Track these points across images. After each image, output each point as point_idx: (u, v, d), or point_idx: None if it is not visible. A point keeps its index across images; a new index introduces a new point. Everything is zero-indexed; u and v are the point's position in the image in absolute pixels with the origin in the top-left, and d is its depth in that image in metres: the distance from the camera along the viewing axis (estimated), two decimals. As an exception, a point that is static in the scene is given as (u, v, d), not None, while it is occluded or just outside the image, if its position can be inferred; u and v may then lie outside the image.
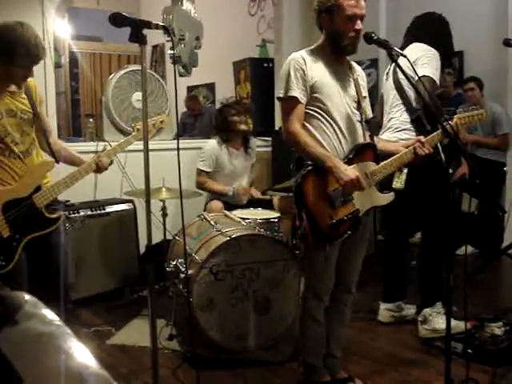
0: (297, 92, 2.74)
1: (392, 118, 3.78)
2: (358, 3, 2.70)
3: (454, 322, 3.20)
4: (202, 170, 4.87)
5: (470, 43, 6.00)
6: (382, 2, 6.77)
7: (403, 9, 6.28)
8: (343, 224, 2.76)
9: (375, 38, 2.70)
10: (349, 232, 2.80)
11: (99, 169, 3.03)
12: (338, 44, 2.78)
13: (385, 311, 4.01)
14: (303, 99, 2.76)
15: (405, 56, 2.66)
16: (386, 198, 2.95)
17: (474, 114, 3.11)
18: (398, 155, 2.91)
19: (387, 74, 3.92)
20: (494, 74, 5.91)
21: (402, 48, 3.71)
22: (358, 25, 2.73)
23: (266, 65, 7.26)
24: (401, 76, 3.65)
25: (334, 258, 2.88)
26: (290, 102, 2.77)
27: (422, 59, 3.63)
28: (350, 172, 2.67)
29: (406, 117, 3.69)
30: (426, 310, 3.70)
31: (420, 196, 3.69)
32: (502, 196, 5.90)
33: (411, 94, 3.65)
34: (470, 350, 3.23)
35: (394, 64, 3.74)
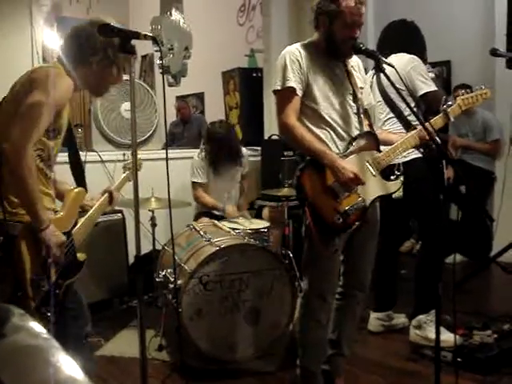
0: (294, 83, 2.70)
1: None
2: (359, 10, 2.68)
3: (445, 335, 3.22)
4: (195, 182, 4.89)
5: (457, 53, 6.06)
6: (369, 11, 6.81)
7: (391, 17, 6.31)
8: (349, 215, 2.72)
9: (363, 48, 2.70)
10: (356, 223, 2.76)
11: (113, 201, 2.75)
12: (332, 48, 2.76)
13: (375, 320, 4.01)
14: (300, 91, 2.73)
15: (393, 66, 2.65)
16: (393, 185, 2.90)
17: (477, 94, 3.06)
18: (400, 141, 2.89)
19: (371, 86, 3.88)
20: (481, 82, 5.93)
21: (385, 57, 3.71)
22: (356, 32, 2.71)
23: (254, 74, 7.27)
24: (388, 89, 3.64)
25: (339, 255, 2.84)
26: (286, 94, 2.72)
27: (419, 74, 3.64)
28: (348, 170, 2.63)
29: (399, 128, 3.67)
30: (421, 317, 3.68)
31: (417, 203, 3.69)
32: (490, 204, 5.93)
33: (401, 105, 3.63)
34: (459, 359, 3.23)
35: (375, 76, 3.77)
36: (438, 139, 2.50)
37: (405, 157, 3.26)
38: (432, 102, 3.57)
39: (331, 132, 2.77)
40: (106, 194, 2.71)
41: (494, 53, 3.77)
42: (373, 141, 2.86)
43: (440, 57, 6.00)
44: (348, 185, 2.67)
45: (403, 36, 3.90)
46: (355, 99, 2.86)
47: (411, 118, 3.57)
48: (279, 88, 2.75)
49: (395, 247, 4.14)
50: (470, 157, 5.90)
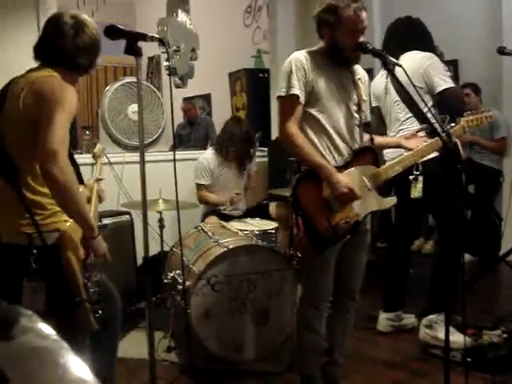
0: (298, 91, 2.70)
1: (401, 130, 3.76)
2: (360, 17, 2.67)
3: (455, 336, 3.20)
4: (199, 184, 4.89)
5: (464, 52, 6.03)
6: (375, 11, 6.80)
7: (397, 17, 6.30)
8: (342, 228, 2.73)
9: (370, 47, 2.69)
10: (348, 236, 2.77)
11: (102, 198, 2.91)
12: (339, 56, 2.76)
13: (384, 320, 4.00)
14: (303, 99, 2.73)
15: (400, 65, 2.65)
16: (388, 202, 2.93)
17: (482, 116, 3.08)
18: (398, 159, 2.91)
19: (386, 88, 3.87)
20: (488, 81, 5.93)
21: (396, 57, 3.70)
22: (360, 39, 2.70)
23: (261, 75, 7.28)
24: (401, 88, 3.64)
25: (332, 264, 2.85)
26: (290, 101, 2.73)
27: (436, 71, 3.64)
28: (343, 184, 2.64)
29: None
30: (433, 317, 3.65)
31: (437, 203, 3.68)
32: (499, 203, 5.90)
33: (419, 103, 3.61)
34: (469, 359, 3.22)
35: (389, 77, 3.75)
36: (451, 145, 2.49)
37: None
38: (450, 99, 3.56)
39: (329, 142, 2.77)
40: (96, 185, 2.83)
41: (502, 51, 3.76)
42: (372, 155, 2.87)
43: (447, 56, 5.95)
44: (342, 199, 2.68)
45: (411, 33, 3.88)
46: (359, 111, 2.86)
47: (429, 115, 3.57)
48: (283, 94, 2.75)
49: (406, 247, 4.13)
50: (478, 156, 5.88)
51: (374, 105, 4.00)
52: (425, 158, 3.44)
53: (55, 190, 2.14)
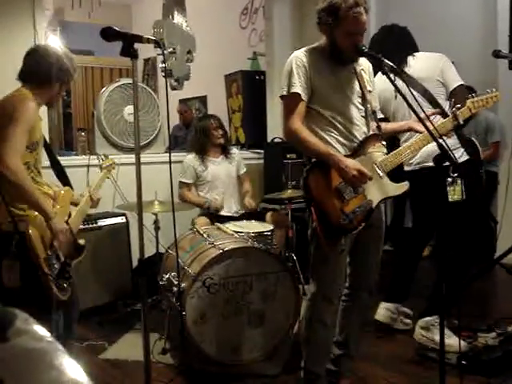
0: (299, 89, 2.72)
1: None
2: (359, 19, 2.68)
3: (452, 339, 3.20)
4: (182, 182, 4.95)
5: (459, 55, 6.04)
6: (371, 14, 6.81)
7: (393, 19, 6.32)
8: (356, 216, 2.73)
9: (366, 50, 2.71)
10: (362, 224, 2.76)
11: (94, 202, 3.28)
12: (337, 54, 2.77)
13: (384, 310, 3.99)
14: (305, 97, 2.74)
15: (395, 69, 2.66)
16: (399, 187, 2.90)
17: (487, 96, 3.07)
18: (407, 144, 2.91)
19: (395, 91, 3.84)
20: (484, 84, 5.93)
21: (402, 61, 3.71)
22: (359, 40, 2.71)
23: (257, 77, 7.27)
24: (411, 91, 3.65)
25: (346, 256, 2.84)
26: (292, 99, 2.75)
27: (450, 68, 3.73)
28: (351, 167, 2.63)
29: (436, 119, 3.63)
30: (430, 319, 3.65)
31: (473, 206, 3.67)
32: (494, 206, 5.91)
33: (434, 90, 3.66)
34: (464, 362, 3.23)
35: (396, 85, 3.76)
36: (442, 142, 2.49)
37: (457, 158, 3.27)
38: (461, 95, 3.59)
39: (337, 135, 2.79)
40: (88, 191, 3.23)
41: (497, 54, 3.76)
42: (379, 143, 2.86)
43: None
44: (354, 182, 2.67)
45: (402, 41, 3.91)
46: (363, 102, 2.87)
47: (442, 102, 3.63)
48: (285, 94, 2.77)
49: (425, 243, 4.18)
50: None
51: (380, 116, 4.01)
52: (461, 160, 3.48)
53: (10, 186, 2.59)
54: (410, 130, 3.09)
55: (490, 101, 3.08)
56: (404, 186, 2.91)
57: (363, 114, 2.87)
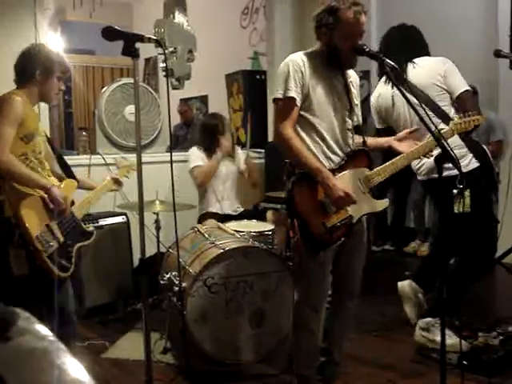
0: (295, 94, 2.71)
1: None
2: (359, 20, 2.68)
3: (452, 340, 3.19)
4: (195, 167, 4.74)
5: (460, 54, 6.02)
6: (372, 14, 6.81)
7: (394, 20, 6.33)
8: (337, 230, 2.75)
9: (367, 50, 2.70)
10: (342, 238, 2.79)
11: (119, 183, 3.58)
12: (335, 59, 2.77)
13: (409, 286, 3.97)
14: (299, 102, 2.74)
15: (396, 68, 2.65)
16: (380, 204, 2.95)
17: (470, 119, 3.08)
18: (390, 162, 2.92)
19: (393, 96, 3.77)
20: (485, 84, 5.95)
21: (406, 63, 3.69)
22: (358, 41, 2.71)
23: (258, 77, 7.27)
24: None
25: (328, 266, 2.87)
26: (286, 104, 2.73)
27: (455, 72, 3.66)
28: (339, 189, 2.65)
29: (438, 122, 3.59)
30: (431, 320, 3.64)
31: (481, 216, 3.69)
32: (495, 205, 5.90)
33: (436, 97, 3.61)
34: (464, 362, 3.22)
35: (396, 84, 3.74)
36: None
37: (465, 167, 3.27)
38: (467, 101, 3.58)
39: (323, 145, 2.79)
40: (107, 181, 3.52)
41: (498, 54, 3.76)
42: (365, 158, 2.88)
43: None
44: (338, 203, 2.69)
45: (413, 38, 3.88)
46: (351, 115, 2.87)
47: (446, 108, 3.61)
48: (280, 97, 2.75)
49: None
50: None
51: (379, 126, 3.96)
52: (469, 168, 3.47)
53: (3, 173, 2.83)
54: (389, 148, 3.08)
55: (471, 123, 3.09)
56: (384, 203, 2.97)
57: (349, 127, 2.87)
